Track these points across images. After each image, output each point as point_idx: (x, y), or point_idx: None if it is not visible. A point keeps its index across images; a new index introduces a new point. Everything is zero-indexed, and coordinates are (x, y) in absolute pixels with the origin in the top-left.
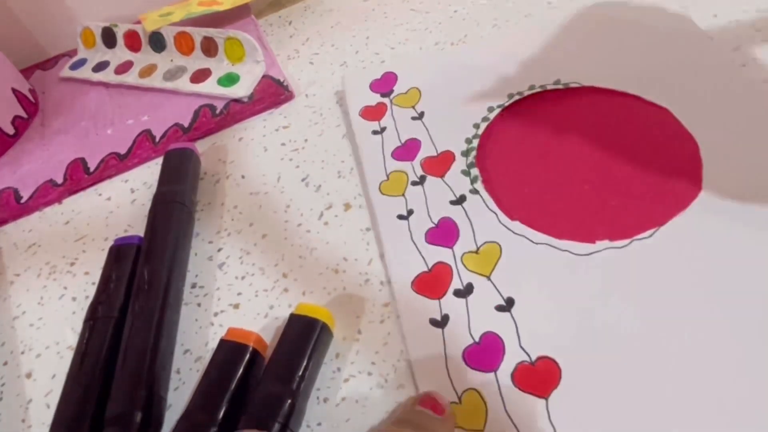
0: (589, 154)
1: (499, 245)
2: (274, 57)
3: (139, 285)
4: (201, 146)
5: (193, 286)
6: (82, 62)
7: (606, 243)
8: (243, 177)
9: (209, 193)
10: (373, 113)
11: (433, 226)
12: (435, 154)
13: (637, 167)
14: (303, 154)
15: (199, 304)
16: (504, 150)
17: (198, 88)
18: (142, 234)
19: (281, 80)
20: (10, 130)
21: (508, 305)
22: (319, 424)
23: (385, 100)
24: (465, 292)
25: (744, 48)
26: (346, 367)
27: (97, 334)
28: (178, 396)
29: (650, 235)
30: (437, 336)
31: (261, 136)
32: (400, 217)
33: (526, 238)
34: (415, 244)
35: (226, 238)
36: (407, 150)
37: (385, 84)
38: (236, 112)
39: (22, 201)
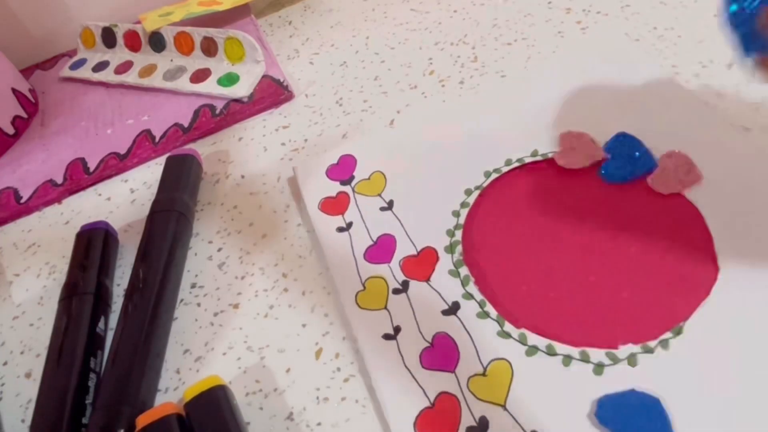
0: (588, 238)
1: (509, 362)
2: (274, 57)
3: (134, 285)
4: (201, 146)
5: (193, 286)
6: (82, 62)
7: (630, 347)
8: (243, 177)
9: (209, 193)
10: (334, 206)
11: (428, 345)
12: (414, 252)
13: (642, 250)
14: (303, 154)
15: (198, 304)
16: (493, 240)
17: (198, 88)
18: (140, 235)
19: (281, 80)
20: (10, 130)
21: None
22: (319, 424)
23: (346, 189)
24: (480, 429)
25: None
26: (346, 367)
27: (74, 323)
28: (176, 396)
29: (678, 332)
30: None
31: (261, 136)
32: (387, 336)
33: (538, 349)
34: (410, 371)
35: (226, 238)
36: (381, 249)
37: (343, 169)
38: (236, 112)
39: (22, 201)
